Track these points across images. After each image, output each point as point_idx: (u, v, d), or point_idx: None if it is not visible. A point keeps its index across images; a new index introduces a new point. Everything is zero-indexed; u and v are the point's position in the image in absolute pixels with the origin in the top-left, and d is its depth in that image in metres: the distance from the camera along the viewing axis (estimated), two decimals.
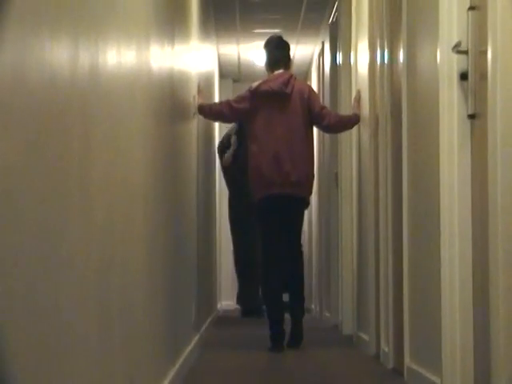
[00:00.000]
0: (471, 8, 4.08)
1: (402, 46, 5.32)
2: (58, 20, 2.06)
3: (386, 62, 5.99)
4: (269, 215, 7.00)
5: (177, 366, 4.79)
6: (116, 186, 2.83)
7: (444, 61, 4.24)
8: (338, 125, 7.34)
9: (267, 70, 7.30)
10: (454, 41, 4.16)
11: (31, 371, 1.82)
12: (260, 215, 7.10)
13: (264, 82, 7.10)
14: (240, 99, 7.08)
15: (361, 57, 7.35)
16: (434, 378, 4.38)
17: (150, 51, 3.75)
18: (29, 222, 1.79)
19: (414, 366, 4.89)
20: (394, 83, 5.69)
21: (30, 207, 1.79)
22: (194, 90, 6.65)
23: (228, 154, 10.10)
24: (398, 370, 5.33)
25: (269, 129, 6.91)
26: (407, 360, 5.07)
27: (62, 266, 2.09)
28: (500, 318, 3.39)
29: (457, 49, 4.13)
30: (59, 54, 2.08)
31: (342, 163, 8.70)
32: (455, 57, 4.16)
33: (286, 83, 7.02)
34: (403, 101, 5.23)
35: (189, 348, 5.73)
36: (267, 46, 7.44)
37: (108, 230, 2.70)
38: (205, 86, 8.16)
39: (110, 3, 2.78)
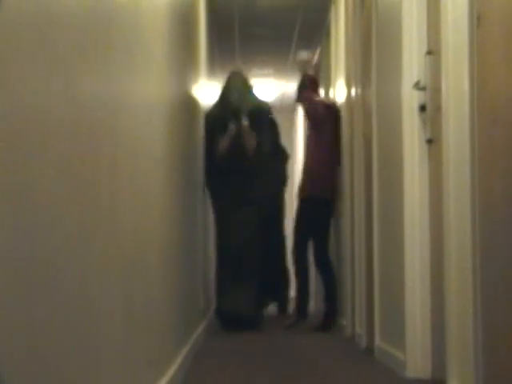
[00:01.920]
0: (428, 53, 4.09)
1: (372, 83, 5.30)
2: (95, 60, 2.07)
3: (359, 96, 5.97)
4: None
5: (188, 346, 4.78)
6: (138, 196, 2.84)
7: (406, 95, 4.24)
8: None
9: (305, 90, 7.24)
10: (415, 79, 4.17)
11: (70, 346, 1.83)
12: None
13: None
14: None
15: (339, 92, 7.33)
16: (399, 354, 4.37)
17: (166, 86, 3.75)
18: (69, 226, 1.79)
19: (383, 346, 4.89)
20: (366, 113, 5.69)
21: (69, 214, 1.80)
22: (200, 118, 6.66)
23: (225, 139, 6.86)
24: (370, 349, 5.31)
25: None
26: (377, 340, 5.05)
27: (94, 262, 2.09)
28: (453, 305, 3.40)
29: (417, 86, 4.14)
30: (94, 88, 2.08)
31: None
32: (415, 92, 4.16)
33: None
34: (373, 128, 5.21)
35: (198, 331, 5.73)
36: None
37: (132, 233, 2.70)
38: None
39: (132, 47, 2.79)
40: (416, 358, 4.19)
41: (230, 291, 6.61)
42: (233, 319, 6.64)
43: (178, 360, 4.12)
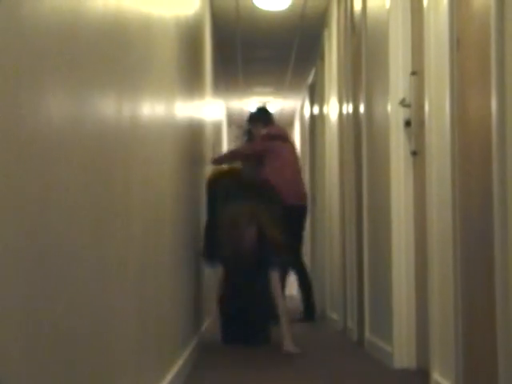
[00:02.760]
0: (413, 73, 4.09)
1: (362, 100, 5.29)
2: (108, 82, 2.08)
3: (350, 112, 5.95)
4: None
5: (196, 338, 4.79)
6: (149, 211, 2.83)
7: (393, 112, 4.24)
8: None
9: (268, 123, 6.59)
10: (400, 97, 4.17)
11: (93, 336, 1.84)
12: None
13: (276, 129, 6.62)
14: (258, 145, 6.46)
15: (332, 109, 7.31)
16: (387, 347, 4.36)
17: (175, 106, 3.74)
18: (87, 233, 1.81)
19: (373, 338, 4.87)
20: (357, 128, 5.67)
21: (88, 223, 1.81)
22: (208, 135, 6.63)
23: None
24: (360, 342, 5.30)
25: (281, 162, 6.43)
26: (367, 334, 5.04)
27: (110, 264, 2.10)
28: (435, 301, 3.40)
29: (402, 103, 4.14)
30: (107, 108, 2.08)
31: (318, 188, 8.72)
32: (401, 109, 4.16)
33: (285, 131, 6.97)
34: (363, 142, 5.21)
35: (205, 324, 5.74)
36: (268, 112, 6.83)
37: (144, 242, 2.70)
38: (215, 131, 8.14)
39: (146, 69, 2.79)
40: (402, 350, 4.17)
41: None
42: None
43: (188, 351, 4.12)
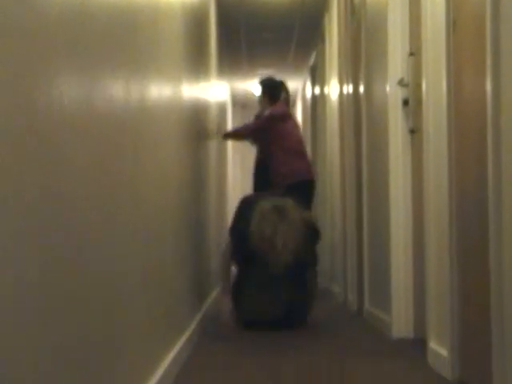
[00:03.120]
0: (411, 54, 4.08)
1: (361, 81, 5.30)
2: (117, 64, 2.07)
3: (350, 92, 5.96)
4: None
5: (203, 310, 4.80)
6: (157, 186, 2.84)
7: (392, 91, 4.24)
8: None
9: (275, 99, 6.23)
10: (399, 77, 4.17)
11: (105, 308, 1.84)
12: None
13: (284, 109, 6.15)
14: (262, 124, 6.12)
15: (332, 90, 7.31)
16: (386, 317, 4.38)
17: (181, 86, 3.74)
18: (97, 200, 1.81)
19: (372, 309, 4.89)
20: (356, 107, 5.68)
21: (98, 191, 1.81)
22: (213, 115, 6.62)
23: None
24: (360, 312, 5.32)
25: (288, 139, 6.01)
26: (366, 304, 5.06)
27: (118, 238, 2.10)
28: (432, 273, 3.40)
29: (401, 83, 4.14)
30: (117, 89, 2.08)
31: (319, 164, 8.71)
32: (399, 89, 4.16)
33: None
34: (363, 121, 5.21)
35: (211, 298, 5.74)
36: (277, 85, 6.39)
37: (151, 217, 2.70)
38: (220, 111, 8.12)
39: (154, 53, 2.78)
40: (400, 320, 4.19)
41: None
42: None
43: (194, 323, 4.14)
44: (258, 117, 6.45)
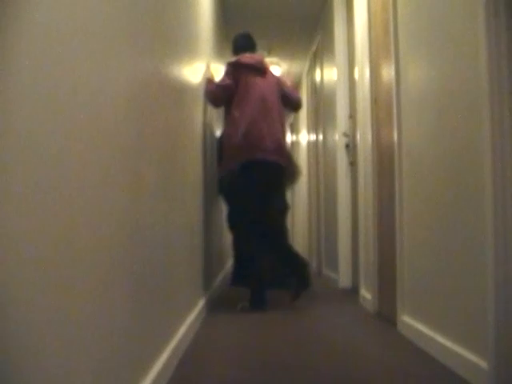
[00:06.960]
0: (350, 117, 3.96)
1: (320, 132, 4.94)
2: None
3: (313, 139, 5.59)
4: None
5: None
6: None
7: (339, 139, 4.05)
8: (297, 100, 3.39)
9: (237, 52, 3.41)
10: (343, 130, 4.03)
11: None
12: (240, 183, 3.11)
13: (242, 57, 3.23)
14: (223, 78, 3.16)
15: (302, 137, 6.92)
16: (334, 275, 4.14)
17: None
18: (158, 192, 1.51)
19: (326, 271, 4.67)
20: (317, 148, 5.29)
21: (158, 183, 1.52)
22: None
23: None
24: (319, 274, 5.08)
25: (248, 98, 3.12)
26: (324, 268, 4.77)
27: (175, 223, 1.76)
28: (362, 245, 3.21)
29: (344, 134, 4.00)
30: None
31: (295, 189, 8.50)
32: (344, 138, 4.01)
33: (261, 60, 3.22)
34: (320, 157, 4.86)
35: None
36: (238, 37, 3.39)
37: (190, 199, 2.20)
38: None
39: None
40: (343, 276, 4.05)
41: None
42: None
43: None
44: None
